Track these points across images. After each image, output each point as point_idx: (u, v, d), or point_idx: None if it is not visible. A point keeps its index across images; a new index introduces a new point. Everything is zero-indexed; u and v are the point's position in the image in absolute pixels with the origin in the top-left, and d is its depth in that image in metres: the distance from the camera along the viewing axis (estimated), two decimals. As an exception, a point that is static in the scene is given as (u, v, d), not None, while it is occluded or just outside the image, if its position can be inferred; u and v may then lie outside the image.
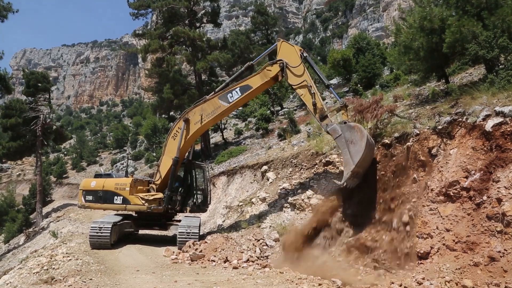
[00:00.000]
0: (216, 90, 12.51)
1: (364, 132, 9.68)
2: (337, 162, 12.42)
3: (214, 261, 9.66)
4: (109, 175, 13.99)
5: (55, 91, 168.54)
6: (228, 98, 11.92)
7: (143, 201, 12.00)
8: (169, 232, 13.54)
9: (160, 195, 12.15)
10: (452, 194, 7.93)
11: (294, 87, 11.45)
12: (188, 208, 13.03)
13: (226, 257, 9.68)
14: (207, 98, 12.33)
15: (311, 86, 10.94)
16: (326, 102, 30.74)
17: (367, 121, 11.77)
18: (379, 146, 11.06)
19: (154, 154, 42.62)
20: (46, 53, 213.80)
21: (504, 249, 6.60)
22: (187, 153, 13.28)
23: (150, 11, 32.25)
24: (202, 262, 9.67)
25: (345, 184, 9.80)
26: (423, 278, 6.91)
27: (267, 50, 13.01)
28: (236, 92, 11.85)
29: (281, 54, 11.68)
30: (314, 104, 10.80)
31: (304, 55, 11.42)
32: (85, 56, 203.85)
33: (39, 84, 35.26)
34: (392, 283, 7.16)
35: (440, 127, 9.32)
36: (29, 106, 33.84)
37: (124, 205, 12.23)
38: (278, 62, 11.49)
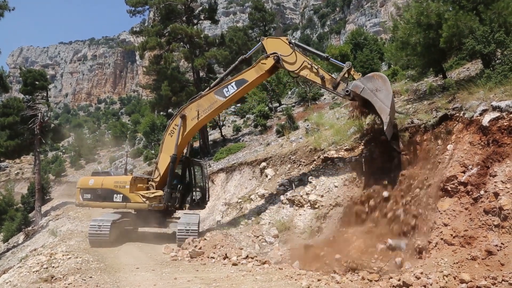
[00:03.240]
0: (211, 85, 12.60)
1: (384, 77, 10.02)
2: (335, 158, 12.44)
3: (214, 258, 9.69)
4: (107, 173, 13.97)
5: (53, 89, 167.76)
6: (224, 92, 12.02)
7: (144, 199, 12.01)
8: (169, 230, 13.56)
9: (160, 192, 12.15)
10: (449, 189, 7.97)
11: (296, 72, 11.61)
12: (187, 205, 13.05)
13: (226, 254, 9.71)
14: (202, 94, 12.41)
15: (311, 64, 11.23)
16: (324, 99, 30.75)
17: (364, 117, 11.80)
18: (377, 142, 11.10)
19: (153, 151, 42.53)
20: (43, 51, 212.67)
21: (501, 243, 6.64)
22: (185, 150, 13.30)
23: (147, 8, 32.07)
24: (202, 259, 9.70)
25: (388, 130, 9.72)
26: (421, 273, 6.94)
27: (253, 48, 13.12)
28: (232, 86, 11.96)
29: (270, 49, 11.80)
30: (322, 78, 11.06)
31: (292, 42, 11.71)
32: (82, 54, 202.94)
33: (37, 82, 35.06)
34: (391, 277, 7.20)
35: (437, 123, 9.35)
36: (27, 105, 33.67)
37: (124, 203, 12.22)
38: (272, 55, 11.64)
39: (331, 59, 11.81)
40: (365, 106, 11.06)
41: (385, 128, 9.62)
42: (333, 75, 11.32)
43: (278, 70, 12.32)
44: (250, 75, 11.96)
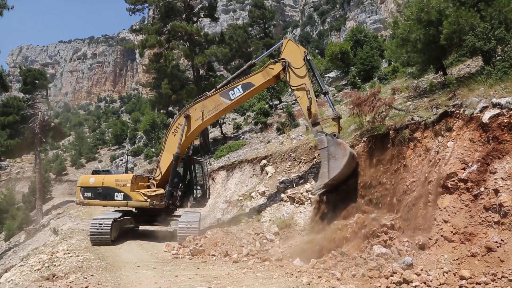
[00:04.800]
0: (218, 87, 12.54)
1: (347, 151, 9.97)
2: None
3: (215, 255, 9.72)
4: (107, 171, 14.01)
5: (53, 88, 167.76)
6: (230, 95, 11.95)
7: (145, 197, 12.03)
8: (170, 228, 13.60)
9: (161, 191, 12.18)
10: (450, 185, 7.98)
11: (293, 88, 11.60)
12: (188, 203, 13.08)
13: (226, 252, 9.75)
14: (208, 95, 12.32)
15: (308, 90, 11.06)
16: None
17: (365, 114, 11.78)
18: (376, 140, 11.08)
19: (153, 149, 42.61)
20: (42, 50, 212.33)
21: (501, 240, 6.66)
22: (187, 149, 13.32)
23: (146, 6, 32.05)
24: (203, 257, 9.74)
25: (316, 193, 10.39)
26: (422, 270, 6.97)
27: (274, 46, 13.11)
28: (238, 89, 11.90)
29: (285, 52, 11.70)
30: (309, 109, 10.97)
31: (308, 57, 11.49)
32: (82, 52, 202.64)
33: (37, 81, 35.15)
34: (392, 274, 7.21)
35: (437, 120, 9.35)
36: (27, 104, 33.77)
37: (126, 201, 12.26)
38: (281, 61, 11.54)
39: (327, 96, 11.70)
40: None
41: (314, 190, 10.37)
42: (318, 114, 11.24)
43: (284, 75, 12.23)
44: (257, 79, 11.86)
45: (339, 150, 10.03)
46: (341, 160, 9.91)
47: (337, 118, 10.94)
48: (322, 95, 12.29)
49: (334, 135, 10.44)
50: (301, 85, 11.25)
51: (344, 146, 10.09)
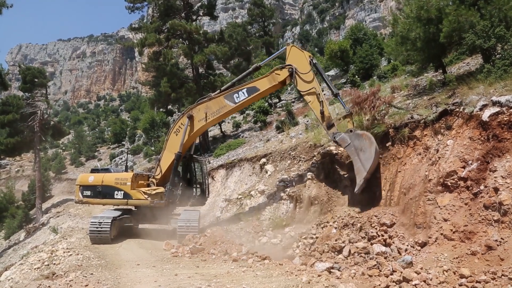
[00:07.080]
0: (222, 89, 12.47)
1: (373, 139, 9.93)
2: (335, 154, 12.43)
3: (214, 254, 9.72)
4: (106, 170, 13.99)
5: (52, 86, 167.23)
6: (235, 98, 11.85)
7: (146, 196, 12.02)
8: (169, 226, 13.59)
9: (161, 189, 12.17)
10: (449, 184, 7.97)
11: (302, 93, 11.45)
12: (188, 202, 13.08)
13: (226, 250, 9.74)
14: (212, 96, 12.25)
15: (319, 94, 10.94)
16: (324, 94, 30.72)
17: (364, 112, 11.77)
18: (376, 138, 11.06)
19: (153, 148, 42.56)
20: (42, 48, 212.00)
21: (501, 238, 6.66)
22: (188, 148, 13.32)
23: (146, 4, 32.12)
24: (202, 255, 9.73)
25: (358, 191, 10.01)
26: (421, 268, 6.96)
27: (276, 53, 12.91)
28: (243, 93, 11.77)
29: (290, 59, 11.53)
30: (322, 112, 10.85)
31: (314, 61, 11.35)
32: (81, 51, 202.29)
33: (36, 80, 35.13)
34: (392, 273, 7.21)
35: (437, 118, 9.34)
36: (26, 102, 33.74)
37: (126, 200, 12.26)
38: (287, 67, 11.37)
39: (339, 97, 11.53)
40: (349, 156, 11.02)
41: (356, 188, 9.96)
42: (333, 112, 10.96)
43: (290, 81, 12.01)
44: (263, 84, 11.70)
45: (364, 141, 10.01)
46: (370, 150, 9.84)
47: (349, 114, 10.83)
48: (333, 97, 12.06)
49: (351, 130, 10.42)
50: (310, 89, 11.08)
51: (367, 135, 10.09)
